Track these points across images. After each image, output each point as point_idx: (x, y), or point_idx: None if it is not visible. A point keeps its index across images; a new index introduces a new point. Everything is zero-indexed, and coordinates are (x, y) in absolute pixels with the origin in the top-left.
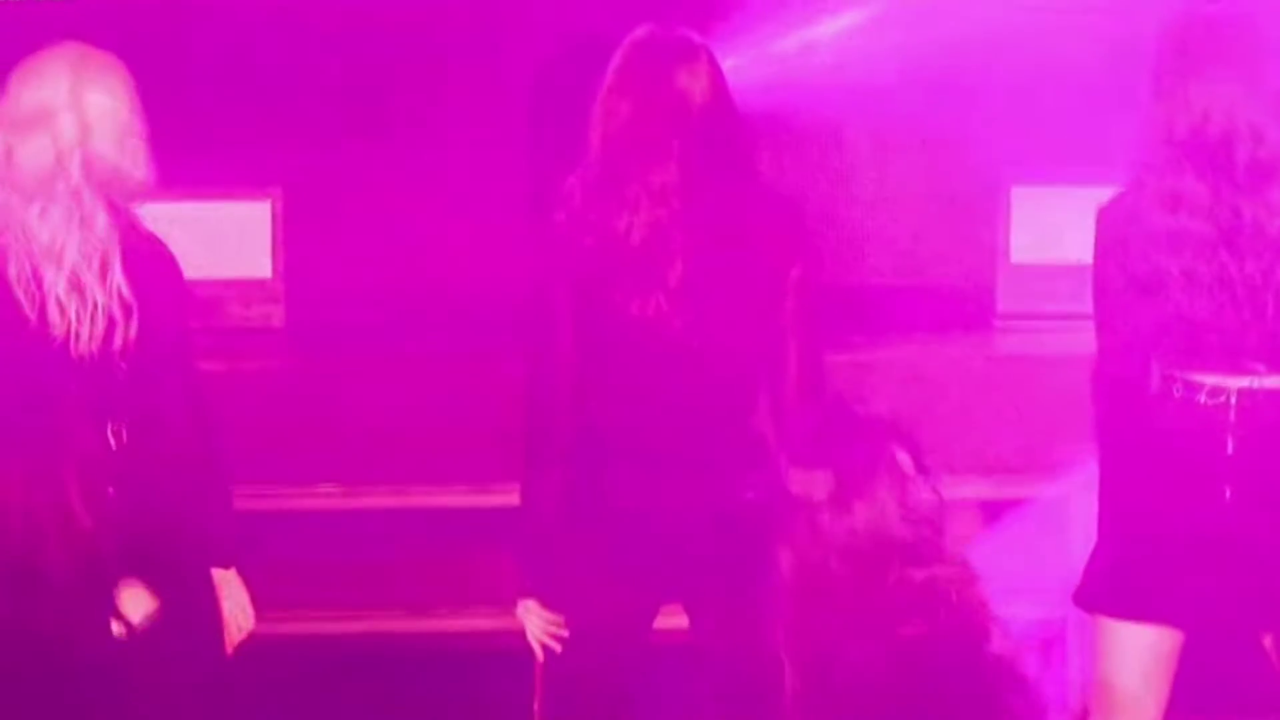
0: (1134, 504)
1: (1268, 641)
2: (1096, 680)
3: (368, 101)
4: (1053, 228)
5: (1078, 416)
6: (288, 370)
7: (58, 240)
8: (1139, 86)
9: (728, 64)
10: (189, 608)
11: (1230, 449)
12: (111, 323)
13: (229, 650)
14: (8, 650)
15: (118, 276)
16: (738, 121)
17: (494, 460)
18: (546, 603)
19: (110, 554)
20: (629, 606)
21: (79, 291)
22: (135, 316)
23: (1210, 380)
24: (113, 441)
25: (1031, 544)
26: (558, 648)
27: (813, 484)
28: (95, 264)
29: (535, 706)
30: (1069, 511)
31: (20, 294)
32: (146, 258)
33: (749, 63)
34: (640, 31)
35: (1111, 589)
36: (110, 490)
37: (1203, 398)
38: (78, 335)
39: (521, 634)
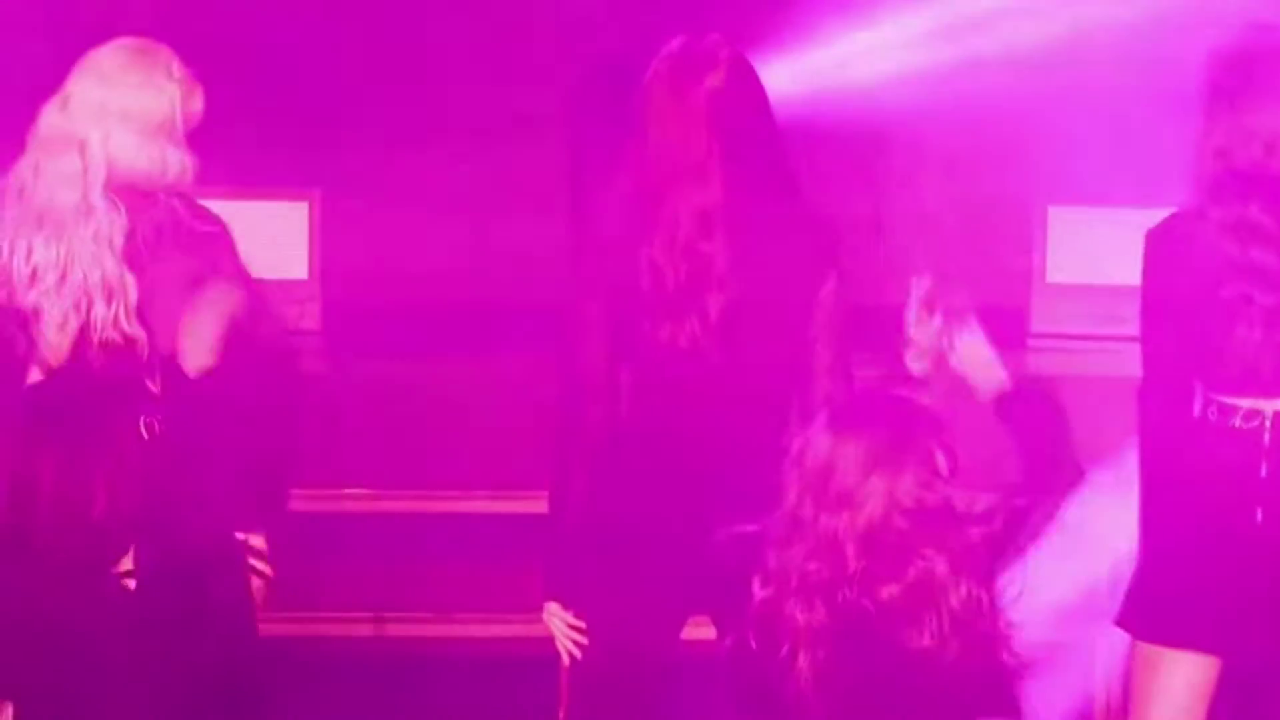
0: (1174, 527)
1: None
2: (1135, 704)
3: (408, 106)
4: (1088, 248)
5: (1108, 437)
6: (322, 373)
7: (87, 248)
8: (1177, 111)
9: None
10: (212, 601)
11: (1264, 472)
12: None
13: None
14: (32, 634)
15: (131, 298)
16: (777, 132)
17: (523, 467)
18: (570, 607)
19: (130, 542)
20: (655, 618)
21: (106, 295)
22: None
23: (1245, 404)
24: (145, 433)
25: (1056, 563)
26: (579, 654)
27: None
28: (120, 279)
29: (560, 714)
30: (1096, 531)
31: (66, 296)
32: (187, 249)
33: (784, 81)
34: (675, 43)
35: (1155, 614)
36: (139, 481)
37: (1238, 421)
38: (108, 342)
39: (548, 641)
